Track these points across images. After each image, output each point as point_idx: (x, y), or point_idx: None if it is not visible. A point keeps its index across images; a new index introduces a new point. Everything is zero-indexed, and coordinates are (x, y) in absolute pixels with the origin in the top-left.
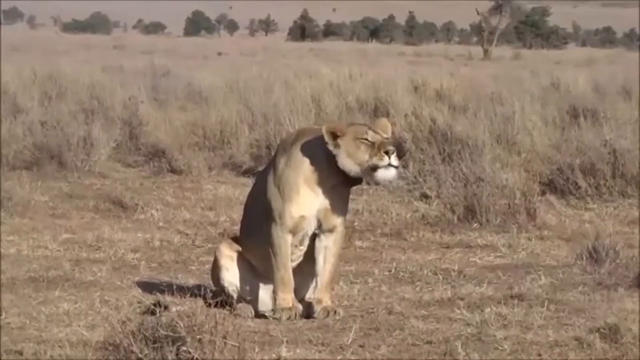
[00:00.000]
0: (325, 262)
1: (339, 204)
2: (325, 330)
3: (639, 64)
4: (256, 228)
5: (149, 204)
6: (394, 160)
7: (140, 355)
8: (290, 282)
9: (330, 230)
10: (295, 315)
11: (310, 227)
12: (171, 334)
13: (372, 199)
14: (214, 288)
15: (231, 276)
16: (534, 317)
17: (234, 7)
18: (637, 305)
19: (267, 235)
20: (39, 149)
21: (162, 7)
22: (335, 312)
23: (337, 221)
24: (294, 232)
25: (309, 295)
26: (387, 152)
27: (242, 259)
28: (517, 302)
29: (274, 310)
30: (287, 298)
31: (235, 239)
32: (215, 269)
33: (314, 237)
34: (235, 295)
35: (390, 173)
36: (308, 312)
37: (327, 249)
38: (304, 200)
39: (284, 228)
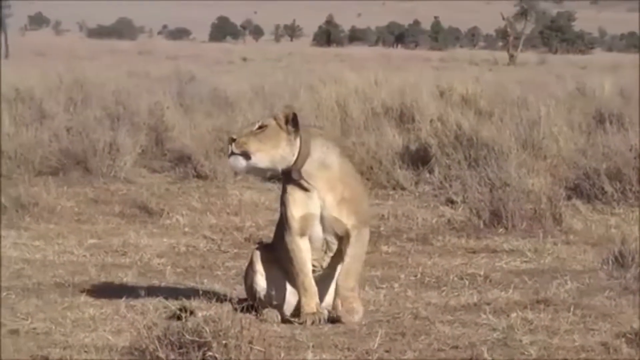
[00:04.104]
0: (342, 266)
1: (343, 205)
2: (351, 335)
3: None
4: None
5: (175, 209)
6: (233, 148)
7: None
8: (312, 287)
9: (346, 234)
10: (320, 320)
11: (320, 229)
12: (197, 339)
13: (397, 204)
14: (238, 293)
15: (264, 281)
16: (560, 322)
17: (259, 13)
18: None
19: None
20: (65, 154)
21: (187, 13)
22: (354, 311)
23: (349, 223)
24: (302, 233)
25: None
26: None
27: (276, 265)
28: (543, 307)
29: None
30: (311, 303)
31: (269, 245)
32: (250, 272)
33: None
34: (265, 300)
35: (230, 161)
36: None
37: (343, 252)
38: (300, 200)
39: (292, 231)
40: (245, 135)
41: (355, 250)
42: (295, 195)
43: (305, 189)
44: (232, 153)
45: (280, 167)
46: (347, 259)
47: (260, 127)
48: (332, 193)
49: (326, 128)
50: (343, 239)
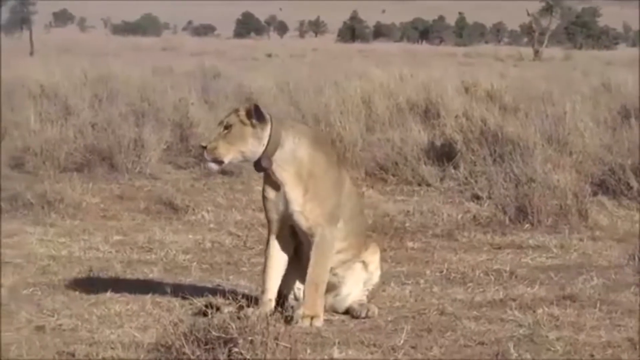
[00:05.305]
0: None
1: (308, 199)
2: (377, 332)
3: None
4: None
5: (200, 205)
6: (205, 155)
7: (192, 357)
8: (263, 280)
9: (311, 235)
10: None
11: (295, 227)
12: (223, 335)
13: (423, 200)
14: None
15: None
16: (586, 318)
17: (283, 9)
18: None
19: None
20: (90, 151)
21: (212, 9)
22: (312, 318)
23: (311, 218)
24: (276, 232)
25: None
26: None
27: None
28: (569, 303)
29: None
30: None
31: None
32: None
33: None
34: (290, 297)
35: (207, 167)
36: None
37: (311, 259)
38: (275, 200)
39: (270, 231)
40: (214, 139)
41: (317, 256)
42: (269, 195)
43: (278, 187)
44: (206, 160)
45: (253, 159)
46: (310, 264)
47: (226, 128)
48: (300, 187)
49: (307, 124)
50: (311, 242)
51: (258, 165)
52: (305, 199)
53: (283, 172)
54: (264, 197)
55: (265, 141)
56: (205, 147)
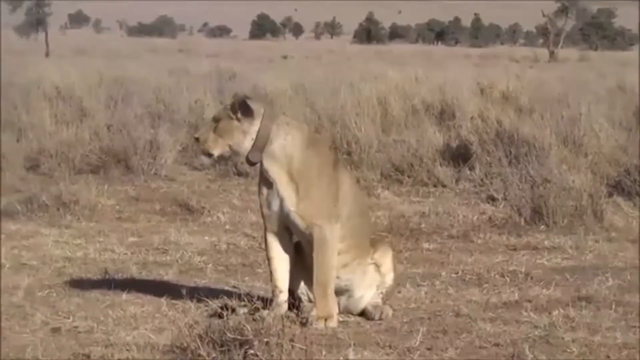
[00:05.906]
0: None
1: (302, 199)
2: (392, 333)
3: None
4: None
5: (216, 207)
6: (198, 147)
7: (207, 359)
8: (273, 282)
9: (310, 236)
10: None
11: (292, 227)
12: (238, 337)
13: (438, 201)
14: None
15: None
16: (602, 319)
17: (299, 10)
18: None
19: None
20: (106, 152)
21: (227, 11)
22: (326, 319)
23: (306, 217)
24: (273, 231)
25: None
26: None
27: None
28: (584, 304)
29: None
30: (277, 301)
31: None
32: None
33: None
34: (303, 298)
35: (199, 158)
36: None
37: (314, 260)
38: (266, 197)
39: (265, 228)
40: (205, 133)
41: (319, 257)
42: (263, 191)
43: (271, 184)
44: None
45: (243, 153)
46: (314, 265)
47: (216, 121)
48: (291, 186)
49: (302, 120)
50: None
51: (248, 159)
52: (298, 198)
53: (274, 168)
54: (259, 192)
55: (253, 136)
56: (197, 140)
